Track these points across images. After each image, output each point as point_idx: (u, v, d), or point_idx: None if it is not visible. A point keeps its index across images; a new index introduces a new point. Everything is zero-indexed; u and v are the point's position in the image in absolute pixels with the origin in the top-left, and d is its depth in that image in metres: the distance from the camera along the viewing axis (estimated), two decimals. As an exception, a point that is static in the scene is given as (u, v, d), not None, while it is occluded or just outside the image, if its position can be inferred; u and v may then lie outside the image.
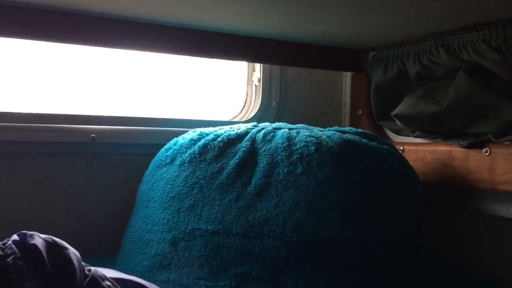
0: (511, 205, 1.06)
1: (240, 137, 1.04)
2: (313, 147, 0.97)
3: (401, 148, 1.29)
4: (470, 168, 1.13)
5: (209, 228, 0.94)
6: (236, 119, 1.48)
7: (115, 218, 1.21)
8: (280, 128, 1.05)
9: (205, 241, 0.93)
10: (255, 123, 1.11)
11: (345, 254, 0.91)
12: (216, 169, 1.00)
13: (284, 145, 0.99)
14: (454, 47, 1.11)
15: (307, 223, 0.90)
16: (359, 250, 0.92)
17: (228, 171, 0.99)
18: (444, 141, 1.21)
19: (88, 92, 1.32)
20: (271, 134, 1.03)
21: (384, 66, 1.34)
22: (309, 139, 0.99)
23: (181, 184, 1.01)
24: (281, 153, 0.98)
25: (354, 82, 1.54)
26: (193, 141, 1.06)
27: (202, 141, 1.05)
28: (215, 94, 1.51)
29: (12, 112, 1.14)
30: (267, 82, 1.48)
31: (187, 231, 0.96)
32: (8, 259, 0.57)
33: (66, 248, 0.62)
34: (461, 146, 1.15)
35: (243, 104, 1.51)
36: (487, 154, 1.10)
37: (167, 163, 1.07)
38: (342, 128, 1.08)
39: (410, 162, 1.07)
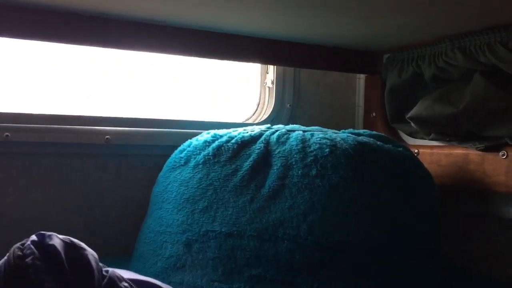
0: (528, 209, 1.05)
1: (254, 139, 1.04)
2: (327, 150, 0.96)
3: (416, 151, 1.28)
4: (486, 172, 1.12)
5: (223, 230, 0.94)
6: (250, 121, 1.48)
7: (129, 220, 1.22)
8: (294, 130, 1.05)
9: (219, 243, 0.93)
10: (268, 125, 1.11)
11: (359, 258, 0.90)
12: (230, 171, 1.00)
13: (298, 147, 0.98)
14: (470, 49, 1.10)
15: (322, 225, 0.90)
16: (372, 253, 0.91)
17: (242, 173, 0.99)
18: (459, 144, 1.19)
19: (94, 92, 1.33)
20: (285, 136, 1.03)
21: (399, 68, 1.33)
22: (324, 141, 0.99)
23: (195, 186, 1.01)
24: (295, 155, 0.97)
25: (368, 84, 1.53)
26: (207, 143, 1.06)
27: (216, 142, 1.05)
28: (219, 94, 1.51)
29: (26, 113, 1.15)
30: (280, 84, 1.48)
31: (201, 233, 0.96)
32: (27, 260, 0.57)
33: (84, 249, 0.62)
34: (477, 149, 1.13)
35: (256, 106, 1.51)
36: (504, 157, 1.08)
37: (181, 165, 1.07)
38: (356, 131, 1.08)
39: (425, 165, 1.06)
